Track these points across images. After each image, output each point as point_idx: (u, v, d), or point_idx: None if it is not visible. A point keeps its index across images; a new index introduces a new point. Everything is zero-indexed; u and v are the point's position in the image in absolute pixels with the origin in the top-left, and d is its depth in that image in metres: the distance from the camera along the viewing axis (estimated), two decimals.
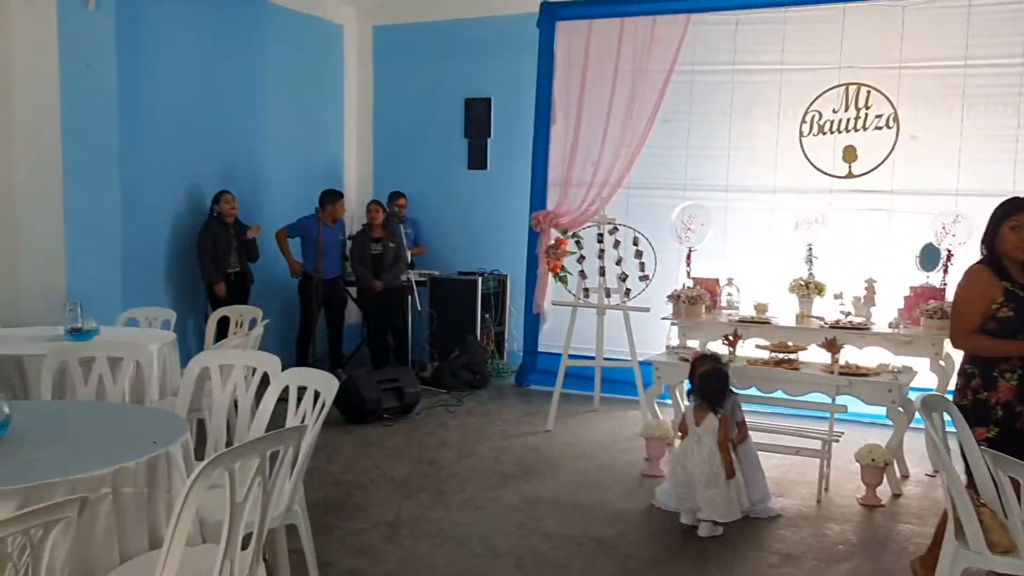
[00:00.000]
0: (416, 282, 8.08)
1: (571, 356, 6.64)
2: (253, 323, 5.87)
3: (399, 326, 8.15)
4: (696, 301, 6.10)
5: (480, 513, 4.74)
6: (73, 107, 5.80)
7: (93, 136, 5.96)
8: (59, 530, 2.07)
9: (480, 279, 8.30)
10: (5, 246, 5.76)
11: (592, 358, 6.85)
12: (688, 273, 6.52)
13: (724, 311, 6.26)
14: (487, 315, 8.35)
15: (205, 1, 7.46)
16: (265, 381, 3.63)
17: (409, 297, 8.04)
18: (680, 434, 4.77)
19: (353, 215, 8.95)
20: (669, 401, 6.08)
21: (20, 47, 5.63)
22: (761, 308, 6.11)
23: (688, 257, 6.59)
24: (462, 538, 4.39)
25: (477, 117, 8.85)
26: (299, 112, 8.68)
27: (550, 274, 6.98)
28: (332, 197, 7.87)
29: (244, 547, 2.55)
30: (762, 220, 7.15)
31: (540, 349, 7.93)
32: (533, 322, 7.94)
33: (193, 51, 7.38)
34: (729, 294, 6.38)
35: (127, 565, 2.63)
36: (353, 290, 8.33)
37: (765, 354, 5.55)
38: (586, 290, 6.62)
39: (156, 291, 7.05)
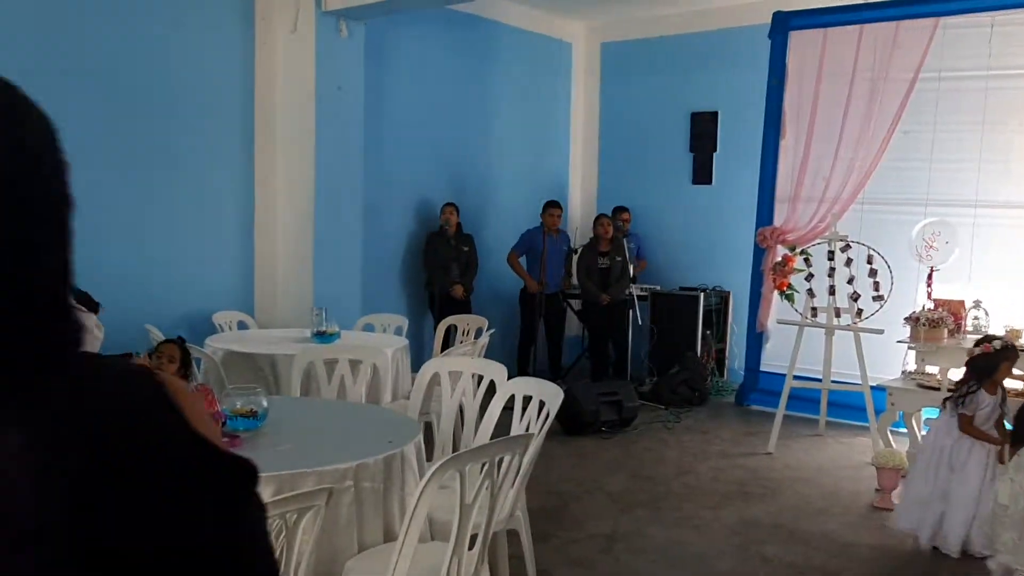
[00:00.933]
0: (638, 296, 8.09)
1: (796, 377, 6.40)
2: (479, 332, 6.11)
3: (620, 340, 8.17)
4: (938, 324, 5.70)
5: (697, 533, 4.67)
6: (326, 128, 6.31)
7: (342, 154, 6.45)
8: (309, 517, 2.26)
9: (702, 295, 8.18)
10: (268, 254, 6.33)
11: (818, 380, 6.57)
12: (929, 294, 6.11)
13: (969, 335, 5.81)
14: (708, 331, 8.21)
15: (442, 24, 7.85)
16: (491, 389, 3.77)
17: (631, 311, 8.05)
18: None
19: (577, 229, 9.09)
20: (903, 429, 5.72)
21: (284, 73, 6.20)
22: (1015, 334, 5.61)
23: (929, 277, 6.18)
24: (678, 557, 4.34)
25: (703, 131, 8.75)
26: (526, 128, 8.94)
27: (775, 292, 6.76)
28: (548, 206, 8.04)
29: (470, 547, 2.67)
30: (1017, 238, 6.58)
31: (762, 368, 7.69)
32: (756, 340, 7.72)
33: (429, 71, 7.80)
34: (976, 317, 5.92)
35: (364, 555, 2.82)
36: (575, 302, 8.45)
37: (1019, 384, 5.10)
38: (814, 309, 6.36)
39: (390, 299, 7.48)
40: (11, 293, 0.70)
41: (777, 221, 7.49)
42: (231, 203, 6.29)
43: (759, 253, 7.59)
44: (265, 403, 3.10)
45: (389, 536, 2.94)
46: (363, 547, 2.86)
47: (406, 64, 7.55)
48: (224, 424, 2.99)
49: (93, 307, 3.77)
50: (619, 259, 7.96)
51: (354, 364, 4.30)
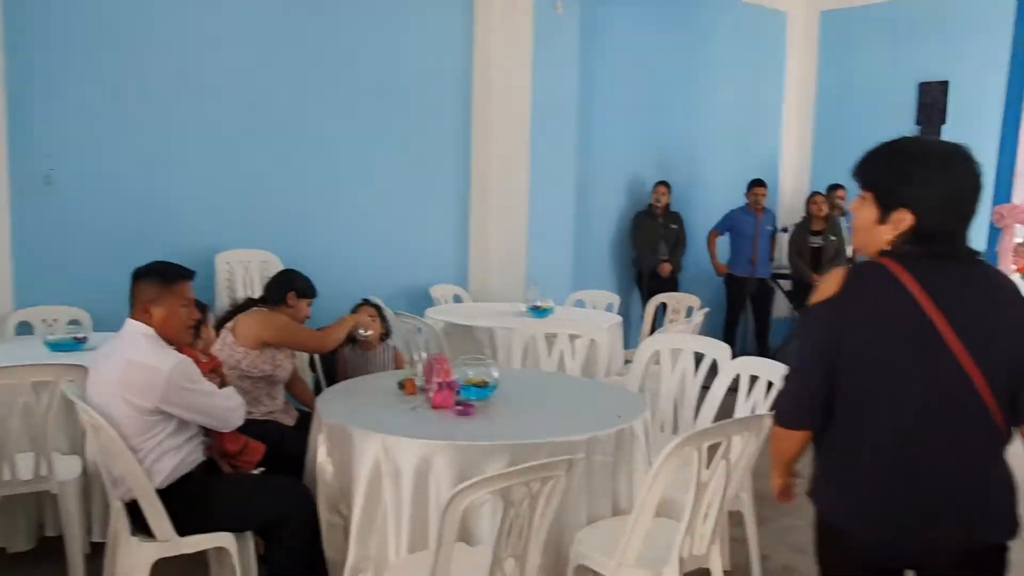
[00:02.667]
0: None
1: None
2: (689, 311, 6.01)
3: None
4: None
5: None
6: (541, 106, 6.38)
7: (555, 132, 6.50)
8: (550, 487, 2.31)
9: None
10: (482, 230, 6.50)
11: None
12: None
13: None
14: None
15: None
16: (711, 369, 3.71)
17: None
18: None
19: (786, 207, 8.75)
20: None
21: (501, 51, 6.30)
22: None
23: None
24: None
25: (932, 103, 8.16)
26: (736, 103, 8.67)
27: (1017, 274, 6.25)
28: (753, 185, 7.74)
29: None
30: None
31: None
32: None
33: (640, 46, 7.70)
34: None
35: (593, 527, 2.85)
36: (784, 283, 8.16)
37: None
38: None
39: (598, 275, 7.50)
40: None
41: (1016, 199, 6.91)
42: (449, 181, 6.49)
43: (994, 233, 7.04)
44: (496, 374, 3.19)
45: (617, 510, 2.96)
46: (591, 519, 2.89)
47: (617, 39, 7.49)
48: (457, 393, 3.10)
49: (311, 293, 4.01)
50: (833, 238, 7.59)
51: (572, 339, 4.34)
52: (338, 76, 5.89)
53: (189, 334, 3.02)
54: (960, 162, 1.80)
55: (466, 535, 2.75)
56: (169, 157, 5.30)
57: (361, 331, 4.00)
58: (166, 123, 5.27)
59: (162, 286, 2.91)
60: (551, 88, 6.41)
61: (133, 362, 2.76)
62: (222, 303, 5.10)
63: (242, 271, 5.41)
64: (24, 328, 4.65)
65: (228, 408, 2.95)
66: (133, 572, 2.81)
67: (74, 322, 4.57)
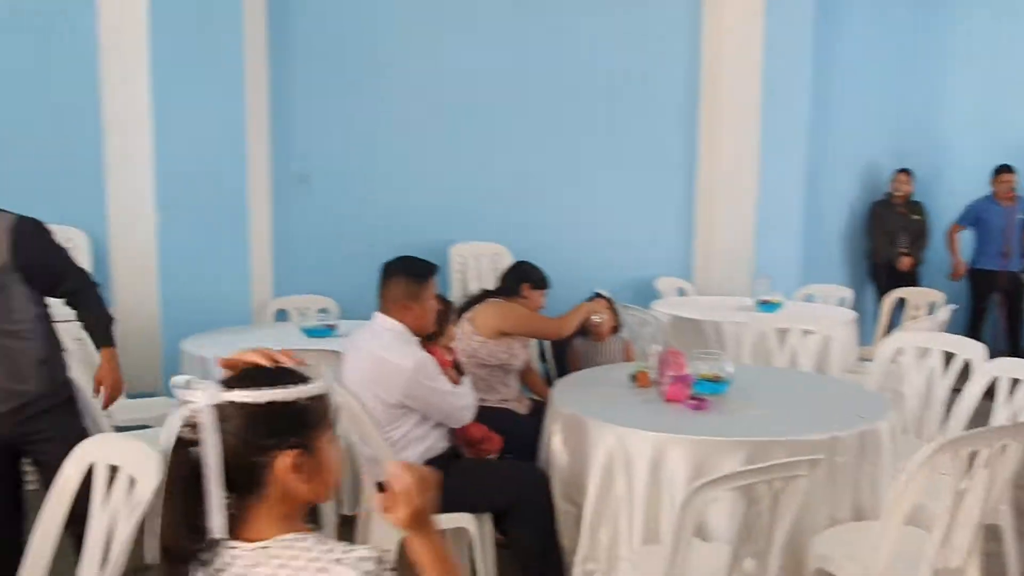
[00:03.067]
0: None
1: None
2: (930, 308, 5.64)
3: None
4: None
5: None
6: (772, 91, 6.17)
7: (786, 118, 6.27)
8: (793, 487, 2.25)
9: None
10: (708, 222, 6.40)
11: None
12: None
13: None
14: None
15: None
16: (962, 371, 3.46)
17: None
18: None
19: None
20: None
21: (731, 33, 6.16)
22: None
23: None
24: None
25: None
26: (986, 85, 7.98)
27: None
28: (999, 172, 7.08)
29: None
30: None
31: None
32: None
33: (880, 25, 7.27)
34: None
35: (833, 531, 2.75)
36: None
37: None
38: None
39: (829, 268, 7.17)
40: None
41: None
42: (674, 172, 6.43)
43: None
44: (730, 368, 3.15)
45: (858, 514, 2.83)
46: (832, 522, 2.79)
47: (857, 16, 7.10)
48: (691, 387, 3.08)
49: (544, 284, 4.09)
50: None
51: (805, 334, 4.19)
52: (564, 71, 5.99)
53: (434, 326, 3.17)
54: None
55: (699, 530, 2.73)
56: (408, 156, 5.62)
57: (595, 317, 4.06)
58: (407, 126, 5.60)
59: (415, 284, 3.05)
60: (783, 71, 6.17)
61: (381, 358, 2.94)
62: (455, 294, 5.34)
63: (474, 263, 5.63)
64: (280, 315, 5.07)
65: (460, 407, 3.07)
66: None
67: (323, 311, 4.92)
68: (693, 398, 3.03)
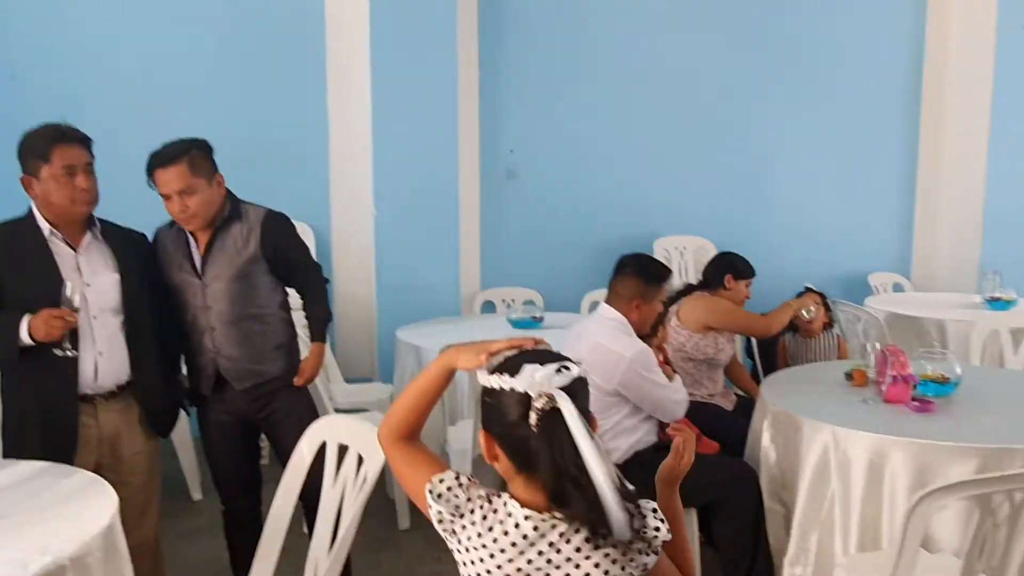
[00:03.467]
0: None
1: None
2: None
3: None
4: None
5: None
6: (1005, 75, 5.71)
7: (1021, 105, 5.78)
8: None
9: None
10: (931, 216, 6.01)
11: None
12: None
13: None
14: None
15: None
16: None
17: None
18: None
19: None
20: None
21: (958, 17, 5.75)
22: None
23: None
24: None
25: None
26: None
27: None
28: None
29: None
30: None
31: None
32: None
33: None
34: None
35: None
36: None
37: None
38: None
39: None
40: None
41: None
42: (891, 164, 6.08)
43: None
44: (958, 369, 2.95)
45: None
46: None
47: None
48: (914, 388, 2.91)
49: (749, 273, 3.97)
50: None
51: None
52: (772, 58, 5.81)
53: (652, 329, 3.18)
54: None
55: (923, 539, 2.58)
56: (614, 151, 5.65)
57: (805, 311, 3.92)
58: (612, 121, 5.65)
59: (648, 286, 3.07)
60: (1019, 53, 5.69)
61: (600, 345, 2.98)
62: None
63: (678, 256, 5.58)
64: (487, 307, 5.24)
65: (675, 401, 3.05)
66: None
67: (529, 302, 5.03)
68: (916, 399, 2.87)
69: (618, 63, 5.62)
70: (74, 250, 2.62)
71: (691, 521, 3.03)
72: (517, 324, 4.38)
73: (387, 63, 4.90)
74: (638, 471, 2.95)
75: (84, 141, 2.60)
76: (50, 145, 2.52)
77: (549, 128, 5.56)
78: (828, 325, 4.20)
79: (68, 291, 2.47)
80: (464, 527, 1.45)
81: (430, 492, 1.47)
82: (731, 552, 2.96)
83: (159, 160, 2.72)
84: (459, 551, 1.47)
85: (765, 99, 5.82)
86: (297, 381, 2.98)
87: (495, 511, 1.45)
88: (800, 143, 5.92)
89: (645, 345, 3.00)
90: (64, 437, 2.55)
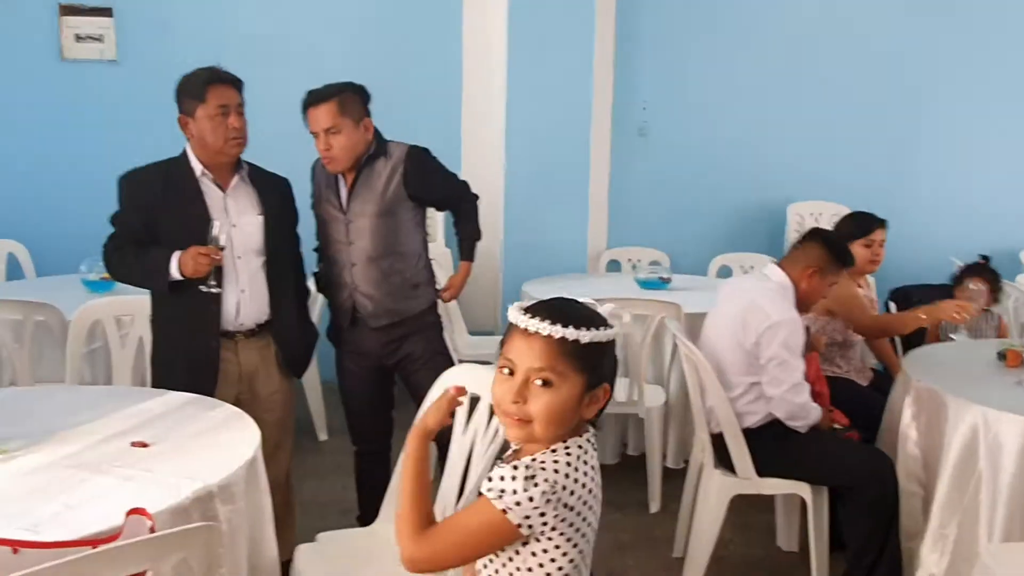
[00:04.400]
0: None
1: None
2: None
3: None
4: None
5: None
6: None
7: None
8: None
9: None
10: None
11: None
12: None
13: None
14: None
15: None
16: None
17: None
18: None
19: None
20: None
21: None
22: None
23: None
24: None
25: None
26: None
27: None
28: None
29: None
30: None
31: None
32: None
33: None
34: None
35: None
36: None
37: None
38: None
39: None
40: None
41: None
42: None
43: None
44: None
45: None
46: None
47: None
48: None
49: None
50: None
51: None
52: (934, 15, 5.48)
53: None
54: None
55: None
56: (748, 110, 5.45)
57: (946, 326, 3.54)
58: (747, 82, 5.46)
59: (833, 263, 2.96)
60: None
61: (754, 301, 2.88)
62: None
63: (812, 223, 5.36)
64: (613, 265, 5.17)
65: (790, 400, 2.82)
66: (710, 500, 2.98)
67: (655, 263, 4.94)
68: None
69: (756, 19, 5.41)
70: (223, 191, 2.70)
71: (822, 498, 2.94)
72: (644, 284, 4.31)
73: (524, 16, 4.84)
74: (773, 437, 2.87)
75: (236, 83, 2.67)
76: (205, 85, 2.60)
77: (683, 85, 5.41)
78: (995, 300, 3.83)
79: (215, 230, 2.56)
80: (572, 492, 1.38)
81: (525, 520, 1.35)
82: (859, 540, 2.84)
83: (313, 98, 2.79)
84: (574, 517, 1.39)
85: (922, 61, 5.52)
86: (444, 296, 3.05)
87: (569, 451, 1.41)
88: (954, 110, 5.60)
89: (799, 318, 2.88)
90: (206, 370, 2.65)
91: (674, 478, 3.64)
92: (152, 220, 2.64)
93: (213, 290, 2.62)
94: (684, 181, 5.43)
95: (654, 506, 3.67)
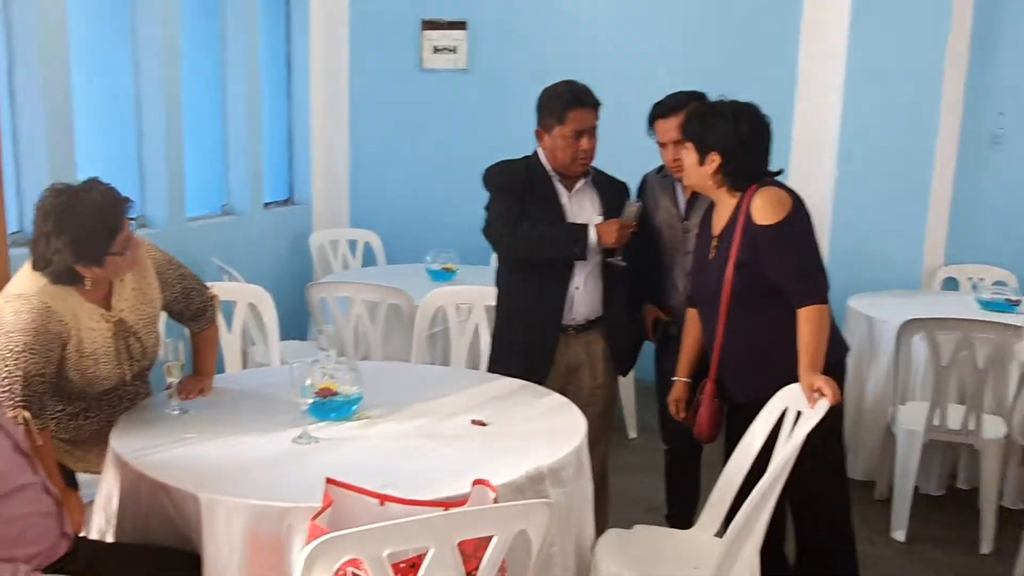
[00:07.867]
0: None
1: None
2: None
3: None
4: None
5: None
6: None
7: None
8: None
9: None
10: None
11: None
12: None
13: None
14: None
15: None
16: None
17: None
18: None
19: None
20: None
21: None
22: None
23: None
24: None
25: None
26: None
27: None
28: None
29: None
30: None
31: None
32: None
33: None
34: None
35: None
36: None
37: None
38: None
39: None
40: None
41: None
42: None
43: None
44: None
45: None
46: None
47: None
48: None
49: None
50: None
51: None
52: None
53: None
54: None
55: None
56: None
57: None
58: None
59: None
60: None
61: None
62: None
63: None
64: (950, 283, 4.79)
65: None
66: None
67: (999, 283, 4.51)
68: None
69: None
70: (568, 191, 2.87)
71: None
72: (988, 305, 3.95)
73: (869, 8, 4.60)
74: None
75: (595, 106, 2.80)
76: (567, 109, 2.75)
77: None
78: None
79: (631, 208, 2.80)
80: None
81: None
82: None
83: (661, 110, 2.86)
84: None
85: None
86: None
87: None
88: None
89: None
90: (542, 361, 2.82)
91: (1010, 520, 3.32)
92: (520, 205, 2.81)
93: (620, 263, 2.80)
94: None
95: (986, 546, 3.38)
